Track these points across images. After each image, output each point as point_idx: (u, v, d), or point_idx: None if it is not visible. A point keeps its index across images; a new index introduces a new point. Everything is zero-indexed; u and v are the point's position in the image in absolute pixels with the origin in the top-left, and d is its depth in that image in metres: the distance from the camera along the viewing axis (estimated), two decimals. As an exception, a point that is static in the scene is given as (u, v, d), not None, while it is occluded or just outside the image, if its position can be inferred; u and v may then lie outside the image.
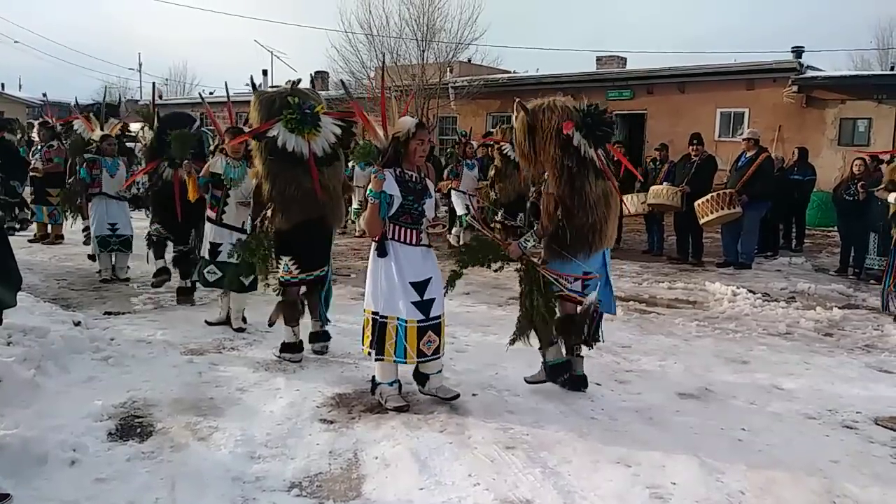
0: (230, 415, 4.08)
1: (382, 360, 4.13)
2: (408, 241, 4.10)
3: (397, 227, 4.09)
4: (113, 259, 7.76)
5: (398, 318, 4.04)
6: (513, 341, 4.54)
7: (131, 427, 3.86)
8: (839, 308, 7.21)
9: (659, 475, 3.43)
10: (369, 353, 4.18)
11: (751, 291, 7.82)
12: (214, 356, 5.16)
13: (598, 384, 4.75)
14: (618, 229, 11.15)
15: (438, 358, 4.21)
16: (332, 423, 4.01)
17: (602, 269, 4.49)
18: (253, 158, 5.26)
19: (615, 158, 4.95)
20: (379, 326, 4.07)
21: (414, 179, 4.13)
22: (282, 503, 3.14)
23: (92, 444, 3.57)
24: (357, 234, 11.88)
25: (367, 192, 4.03)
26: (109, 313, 6.30)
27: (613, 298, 4.68)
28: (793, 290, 8.22)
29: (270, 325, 5.23)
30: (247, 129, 5.39)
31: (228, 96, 6.21)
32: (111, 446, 3.61)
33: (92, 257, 8.10)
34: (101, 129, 7.95)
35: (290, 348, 5.08)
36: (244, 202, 5.61)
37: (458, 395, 4.23)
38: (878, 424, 4.20)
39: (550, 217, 4.31)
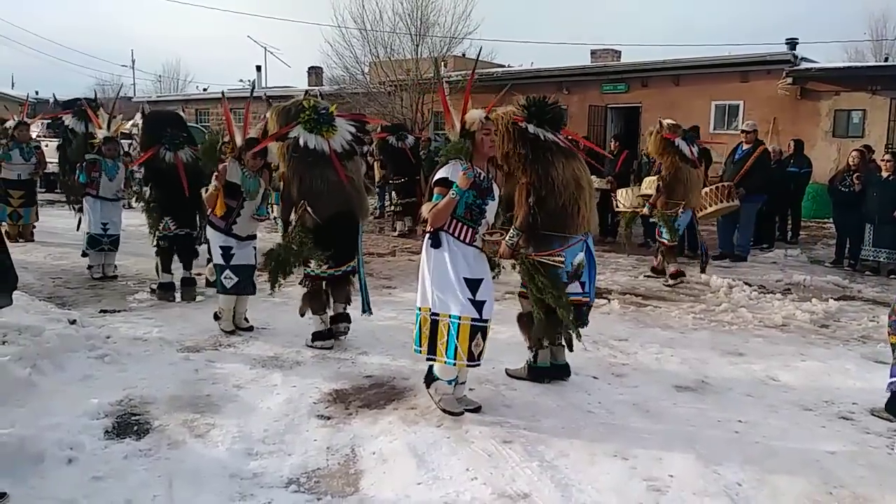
0: (227, 412, 4.08)
1: (434, 360, 3.95)
2: (463, 238, 3.89)
3: (454, 222, 3.88)
4: (102, 258, 7.76)
5: (450, 315, 3.85)
6: (538, 341, 4.57)
7: (128, 425, 3.85)
8: (835, 299, 7.23)
9: (656, 468, 3.44)
10: (426, 355, 3.98)
11: (747, 284, 7.83)
12: (211, 353, 5.15)
13: (594, 378, 4.76)
14: (613, 223, 11.32)
15: (479, 364, 4.03)
16: (329, 419, 4.01)
17: (587, 255, 4.53)
18: (277, 162, 5.39)
19: (574, 140, 5.03)
20: (431, 325, 3.91)
21: (481, 177, 3.91)
22: (279, 499, 3.14)
23: (89, 443, 3.56)
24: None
25: (453, 187, 3.78)
26: (105, 311, 6.28)
27: (593, 287, 4.71)
28: (788, 282, 8.23)
29: (302, 315, 5.39)
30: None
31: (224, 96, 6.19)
32: (108, 444, 3.60)
33: (85, 254, 8.05)
34: (108, 128, 7.85)
35: (321, 336, 5.31)
36: (256, 216, 5.63)
37: (480, 408, 4.11)
38: (875, 415, 4.21)
39: (524, 206, 4.39)
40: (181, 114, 7.34)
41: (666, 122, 8.18)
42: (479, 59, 22.78)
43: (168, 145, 6.64)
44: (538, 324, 4.46)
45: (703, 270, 8.26)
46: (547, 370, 4.63)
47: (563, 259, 4.40)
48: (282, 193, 5.34)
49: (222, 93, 7.80)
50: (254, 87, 6.77)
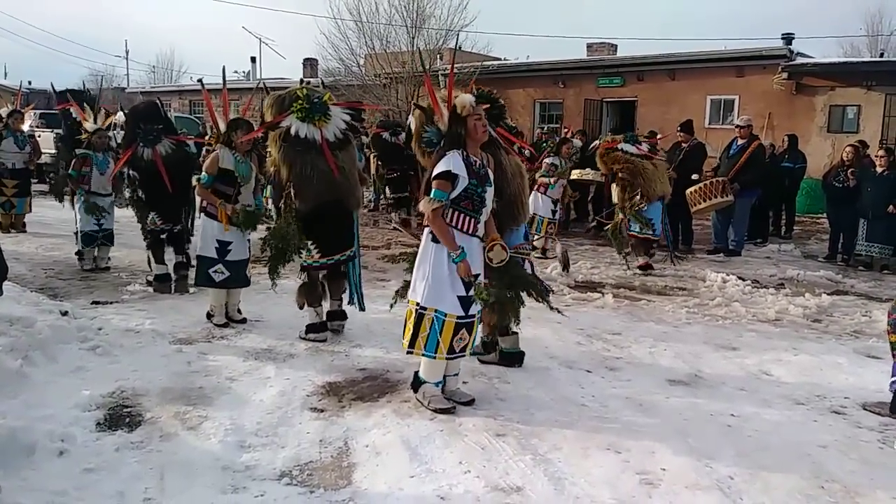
0: (220, 404, 4.06)
1: (412, 352, 3.97)
2: (465, 229, 3.87)
3: (456, 213, 3.85)
4: (95, 251, 7.71)
5: (436, 311, 3.86)
6: (491, 330, 4.75)
7: (120, 417, 3.83)
8: (828, 294, 7.25)
9: (649, 461, 3.45)
10: (406, 348, 3.99)
11: (740, 278, 7.85)
12: (203, 345, 5.13)
13: (588, 371, 4.77)
14: (606, 216, 11.36)
15: (464, 356, 4.07)
16: (322, 411, 4.00)
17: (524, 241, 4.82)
18: (269, 148, 5.34)
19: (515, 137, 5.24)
20: (416, 318, 3.90)
21: (477, 165, 3.88)
22: (272, 492, 3.13)
23: (80, 435, 3.54)
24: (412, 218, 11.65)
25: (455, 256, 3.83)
26: (97, 303, 6.24)
27: None
28: (782, 276, 8.26)
29: (300, 308, 5.35)
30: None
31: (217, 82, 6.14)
32: (100, 436, 3.59)
33: (80, 254, 7.97)
34: (95, 121, 7.79)
35: (315, 328, 5.28)
36: (256, 210, 5.60)
37: (473, 400, 4.12)
38: (866, 410, 4.23)
39: None
40: (157, 101, 7.22)
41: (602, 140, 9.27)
42: (476, 52, 22.72)
43: (142, 142, 6.55)
44: (499, 312, 4.53)
45: (672, 261, 8.57)
46: (518, 355, 4.80)
47: (529, 251, 4.75)
48: (274, 180, 5.33)
49: (200, 80, 7.69)
50: (225, 76, 6.53)
